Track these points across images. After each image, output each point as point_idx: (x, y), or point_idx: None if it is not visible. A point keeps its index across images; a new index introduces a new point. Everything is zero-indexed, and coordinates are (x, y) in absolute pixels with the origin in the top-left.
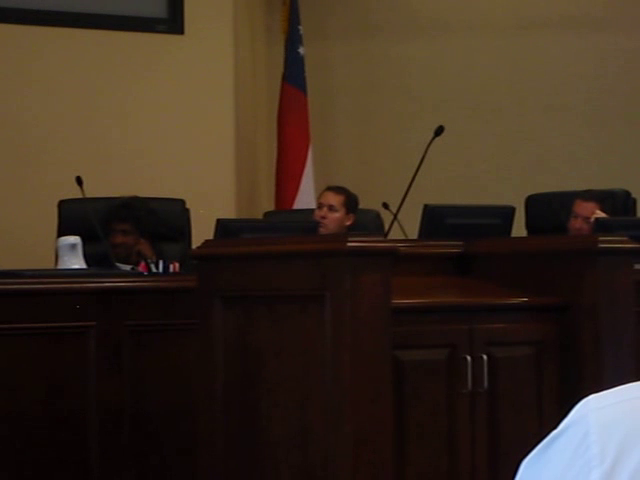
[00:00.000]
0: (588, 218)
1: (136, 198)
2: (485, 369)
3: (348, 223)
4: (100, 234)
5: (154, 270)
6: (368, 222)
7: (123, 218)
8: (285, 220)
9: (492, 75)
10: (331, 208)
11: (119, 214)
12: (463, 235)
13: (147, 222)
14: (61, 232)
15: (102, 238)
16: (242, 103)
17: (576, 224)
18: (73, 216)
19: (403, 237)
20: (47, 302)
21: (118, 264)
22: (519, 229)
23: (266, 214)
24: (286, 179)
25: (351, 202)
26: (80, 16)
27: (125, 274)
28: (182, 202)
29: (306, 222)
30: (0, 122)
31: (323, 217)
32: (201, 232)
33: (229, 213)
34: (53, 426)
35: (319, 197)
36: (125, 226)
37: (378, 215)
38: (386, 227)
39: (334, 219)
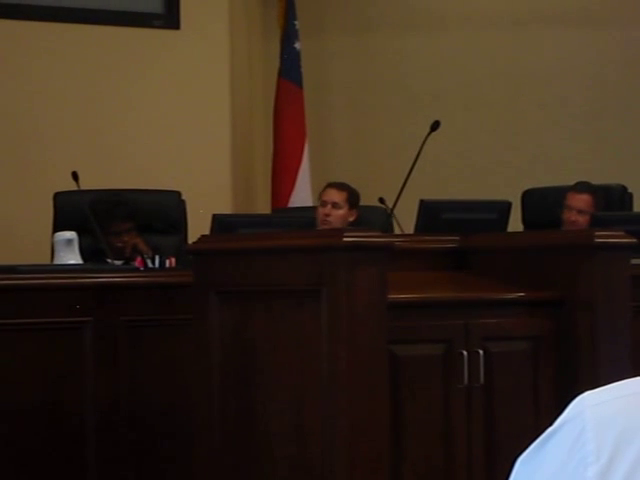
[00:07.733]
0: (581, 210)
1: (119, 193)
2: (481, 364)
3: (351, 219)
4: (97, 232)
5: (150, 265)
6: (375, 219)
7: (125, 217)
8: (281, 215)
9: (488, 70)
10: (335, 205)
11: (120, 214)
12: (459, 230)
13: (138, 215)
14: (56, 224)
15: (98, 235)
16: (238, 98)
17: (570, 217)
18: (68, 208)
19: (399, 232)
20: (43, 298)
21: (111, 261)
22: (515, 224)
23: (274, 211)
24: (282, 174)
25: (354, 198)
26: (76, 11)
27: (121, 269)
28: (178, 194)
29: (302, 218)
30: None
31: (327, 215)
32: (197, 227)
33: (225, 207)
34: (49, 421)
35: (321, 194)
36: (128, 225)
37: (385, 212)
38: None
39: (338, 216)
